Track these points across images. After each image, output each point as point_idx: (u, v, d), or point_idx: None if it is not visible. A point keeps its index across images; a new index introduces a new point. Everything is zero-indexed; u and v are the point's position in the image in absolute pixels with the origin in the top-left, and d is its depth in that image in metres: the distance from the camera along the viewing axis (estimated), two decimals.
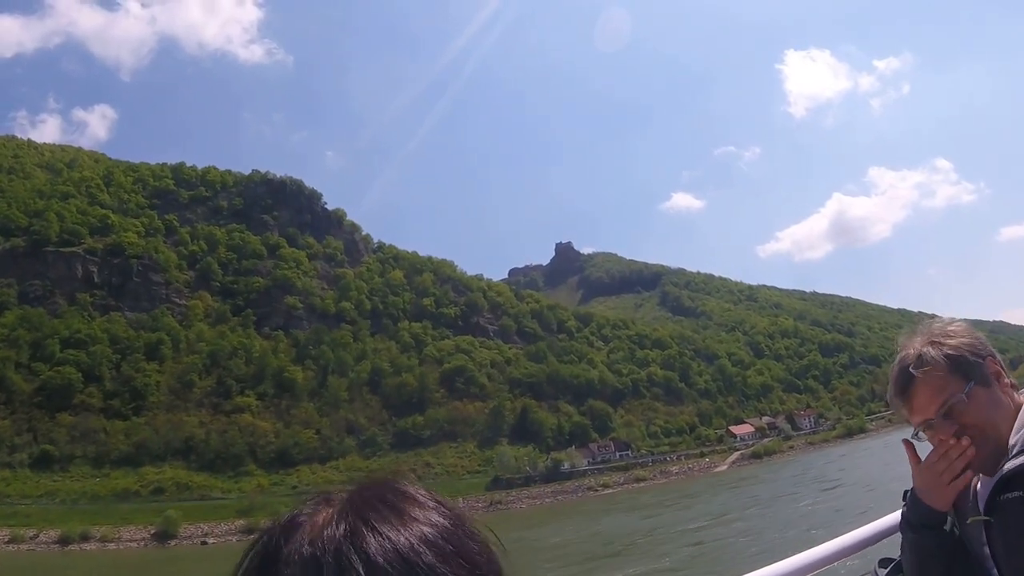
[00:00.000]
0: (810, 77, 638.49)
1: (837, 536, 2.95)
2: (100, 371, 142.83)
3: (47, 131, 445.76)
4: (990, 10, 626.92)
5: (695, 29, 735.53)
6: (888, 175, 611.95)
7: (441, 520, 1.10)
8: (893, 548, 2.91)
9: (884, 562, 2.91)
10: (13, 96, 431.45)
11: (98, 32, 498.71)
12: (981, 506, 2.53)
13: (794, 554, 2.75)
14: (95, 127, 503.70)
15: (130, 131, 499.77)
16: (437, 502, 1.15)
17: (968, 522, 2.61)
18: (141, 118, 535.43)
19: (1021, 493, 2.35)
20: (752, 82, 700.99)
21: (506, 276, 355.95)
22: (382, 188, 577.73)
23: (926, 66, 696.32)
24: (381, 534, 1.04)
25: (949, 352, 2.63)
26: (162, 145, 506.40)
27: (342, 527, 1.05)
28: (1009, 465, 2.43)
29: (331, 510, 1.10)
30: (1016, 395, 2.67)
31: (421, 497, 1.14)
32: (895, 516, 3.03)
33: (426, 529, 1.07)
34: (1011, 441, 2.53)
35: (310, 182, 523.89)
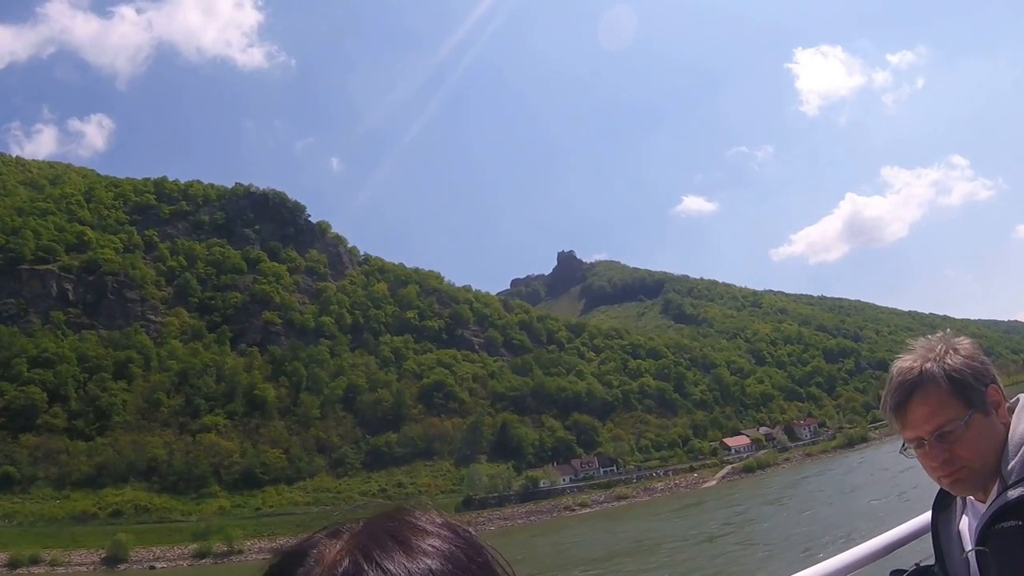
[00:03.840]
0: (823, 74, 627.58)
1: (848, 548, 2.94)
2: (66, 391, 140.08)
3: (43, 142, 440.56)
4: (1005, 1, 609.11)
5: (702, 29, 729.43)
6: (903, 174, 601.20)
7: (451, 549, 1.10)
8: (905, 560, 2.93)
9: (896, 573, 2.89)
10: (7, 107, 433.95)
11: (93, 40, 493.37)
12: (973, 538, 2.50)
13: (805, 568, 2.78)
14: (92, 137, 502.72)
15: (127, 141, 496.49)
16: (450, 530, 1.15)
17: (961, 557, 2.57)
18: (139, 127, 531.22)
19: (1019, 522, 2.28)
20: (763, 81, 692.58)
21: (508, 287, 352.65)
22: (384, 197, 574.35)
23: (941, 59, 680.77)
24: (385, 572, 1.04)
25: (952, 373, 2.54)
26: (160, 155, 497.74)
27: (345, 564, 1.06)
28: (1007, 494, 2.37)
29: (339, 544, 1.11)
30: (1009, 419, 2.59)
31: (431, 527, 1.14)
32: (906, 527, 3.12)
33: (433, 563, 1.07)
34: (1008, 467, 2.45)
35: (313, 190, 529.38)
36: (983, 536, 2.38)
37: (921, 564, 2.83)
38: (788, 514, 69.43)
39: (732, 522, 75.35)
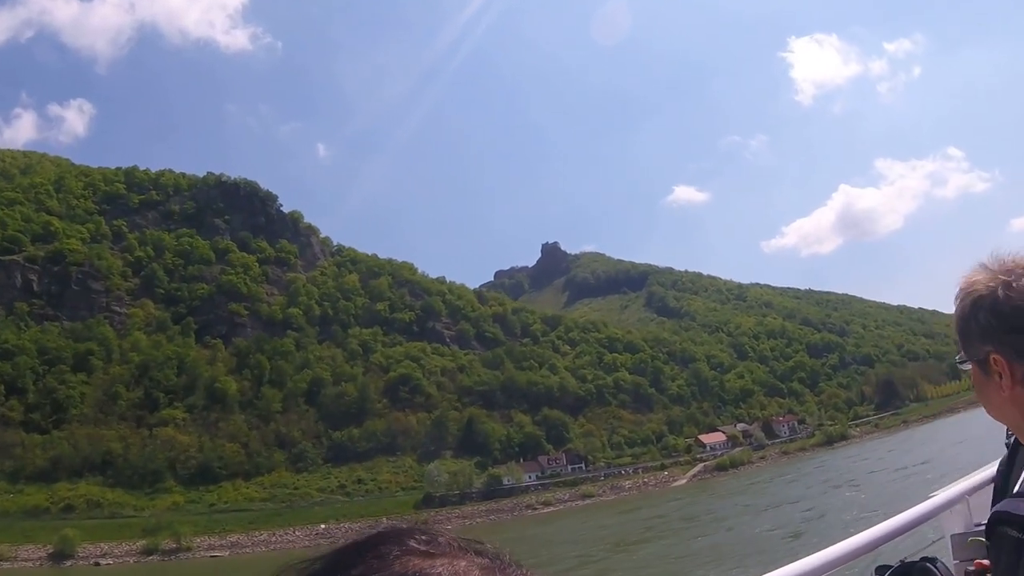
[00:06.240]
0: (818, 63, 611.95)
1: (834, 544, 3.00)
2: (24, 383, 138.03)
3: (22, 128, 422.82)
4: None
5: (696, 18, 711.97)
6: (897, 165, 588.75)
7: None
8: (889, 555, 2.97)
9: (881, 569, 2.90)
10: None
11: (73, 22, 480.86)
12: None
13: (790, 562, 2.82)
14: (72, 123, 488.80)
15: (108, 126, 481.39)
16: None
17: (968, 541, 2.58)
18: (120, 112, 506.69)
19: (1017, 534, 2.13)
20: (758, 70, 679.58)
21: (492, 278, 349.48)
22: (370, 186, 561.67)
23: (939, 48, 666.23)
24: None
25: (960, 317, 2.40)
26: (142, 140, 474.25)
27: None
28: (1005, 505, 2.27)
29: (467, 562, 0.98)
30: None
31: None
32: (891, 523, 3.18)
33: None
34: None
35: (298, 177, 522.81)
36: (989, 531, 2.26)
37: (906, 560, 2.81)
38: (681, 540, 65.74)
39: (629, 539, 72.89)
